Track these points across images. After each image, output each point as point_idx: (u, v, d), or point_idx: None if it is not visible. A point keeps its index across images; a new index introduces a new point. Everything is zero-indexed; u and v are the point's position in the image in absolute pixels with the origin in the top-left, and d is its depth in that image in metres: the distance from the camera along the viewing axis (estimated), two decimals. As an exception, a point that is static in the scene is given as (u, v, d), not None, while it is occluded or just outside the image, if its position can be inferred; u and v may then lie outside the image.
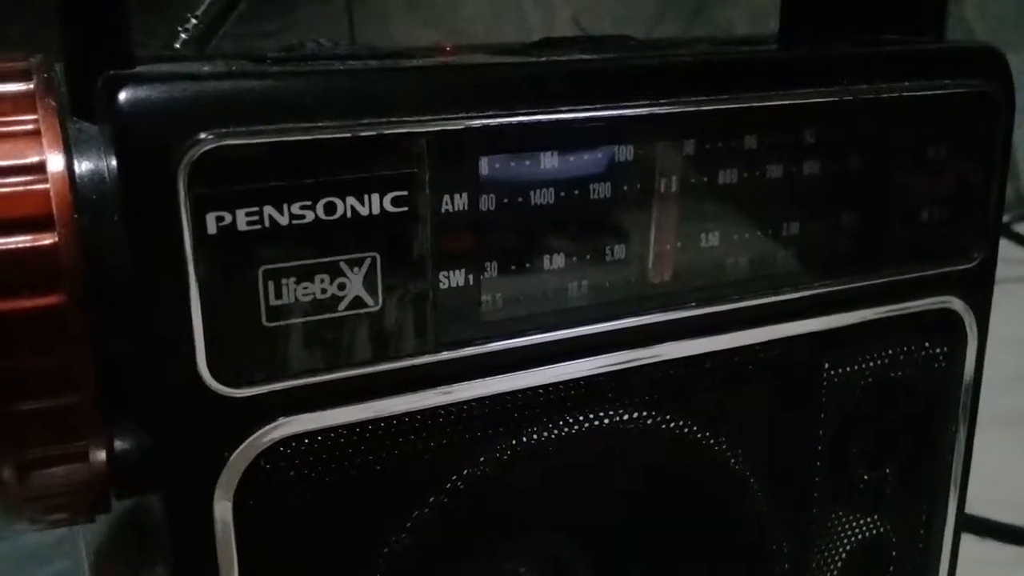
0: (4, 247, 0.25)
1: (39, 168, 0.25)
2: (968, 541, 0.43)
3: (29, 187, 0.25)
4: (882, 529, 0.38)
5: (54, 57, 0.29)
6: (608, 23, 1.09)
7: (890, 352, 0.36)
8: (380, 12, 0.98)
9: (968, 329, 0.38)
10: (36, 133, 0.26)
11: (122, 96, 0.24)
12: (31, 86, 0.27)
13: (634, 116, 0.30)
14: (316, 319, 0.27)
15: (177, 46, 0.39)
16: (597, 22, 1.08)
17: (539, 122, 0.28)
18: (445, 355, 0.29)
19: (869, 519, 0.38)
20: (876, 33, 0.39)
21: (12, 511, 0.28)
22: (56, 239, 0.25)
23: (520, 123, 0.28)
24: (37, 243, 0.25)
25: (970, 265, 0.37)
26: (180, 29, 0.39)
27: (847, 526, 0.38)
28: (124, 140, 0.24)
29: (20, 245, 0.25)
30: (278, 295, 0.26)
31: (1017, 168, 1.17)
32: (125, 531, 0.34)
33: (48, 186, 0.25)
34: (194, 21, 0.39)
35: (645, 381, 0.32)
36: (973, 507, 0.43)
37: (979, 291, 0.38)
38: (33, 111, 0.26)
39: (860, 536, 0.38)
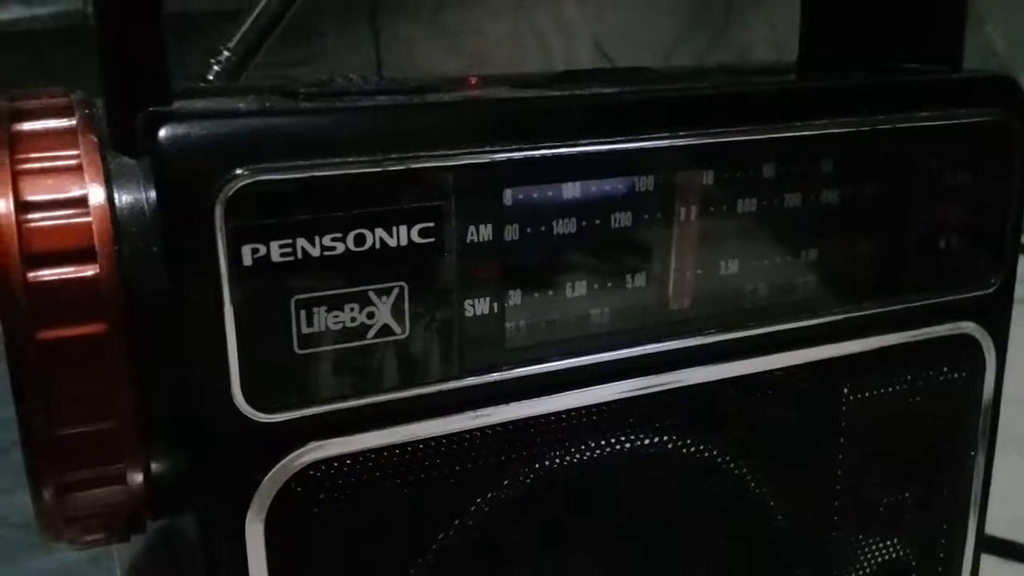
0: (49, 278, 0.26)
1: (81, 202, 0.26)
2: (989, 562, 0.43)
3: (72, 220, 0.26)
4: (902, 553, 0.39)
5: (94, 92, 0.30)
6: (629, 46, 1.10)
7: (908, 377, 0.37)
8: (405, 39, 0.99)
9: (986, 354, 0.38)
10: (79, 168, 0.27)
11: (162, 133, 0.25)
12: (73, 122, 0.28)
13: (654, 148, 0.31)
14: (346, 347, 0.28)
15: (210, 78, 0.40)
16: (618, 45, 1.09)
17: (561, 155, 0.29)
18: (470, 381, 0.29)
19: (888, 543, 0.38)
20: (895, 61, 0.39)
21: (51, 531, 0.28)
22: (98, 270, 0.26)
23: (543, 156, 0.29)
24: (80, 274, 0.26)
25: (987, 291, 0.37)
26: (213, 61, 0.40)
27: (867, 550, 0.38)
28: (164, 175, 0.25)
29: (64, 276, 0.26)
30: (310, 323, 0.27)
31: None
32: (159, 549, 0.35)
33: (90, 219, 0.26)
34: (227, 53, 0.40)
35: (666, 406, 0.33)
36: (995, 528, 0.43)
37: (996, 316, 0.38)
38: (75, 147, 0.27)
39: (880, 560, 0.38)
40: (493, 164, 0.28)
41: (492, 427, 0.30)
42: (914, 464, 0.38)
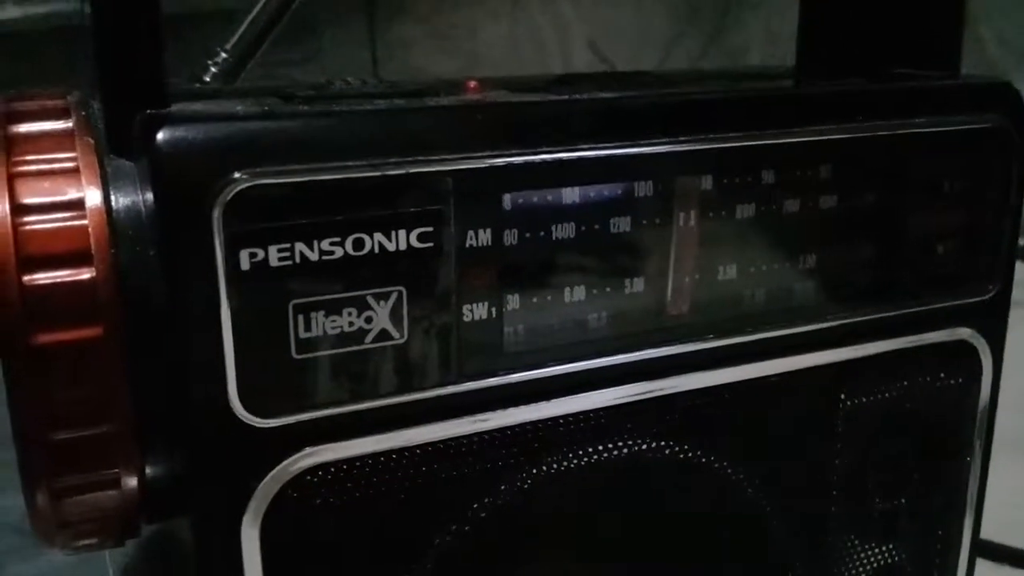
0: (45, 281, 0.25)
1: (78, 204, 0.26)
2: (984, 567, 0.43)
3: (69, 223, 0.26)
4: (897, 557, 0.39)
5: (90, 93, 0.29)
6: (624, 46, 1.10)
7: (905, 383, 0.37)
8: (401, 40, 0.99)
9: (983, 360, 0.38)
10: (75, 171, 0.27)
11: (160, 136, 0.25)
12: (70, 124, 0.28)
13: (653, 153, 0.30)
14: (343, 351, 0.27)
15: (207, 79, 0.40)
16: (614, 45, 1.09)
17: (561, 160, 0.29)
18: (468, 386, 0.29)
19: (884, 547, 0.39)
20: (892, 66, 0.39)
21: (45, 536, 0.28)
22: (94, 273, 0.26)
23: (542, 161, 0.29)
24: (76, 277, 0.26)
25: (985, 297, 0.37)
26: (210, 63, 0.40)
27: (862, 554, 0.38)
28: (161, 179, 0.25)
29: (60, 279, 0.26)
30: (307, 328, 0.27)
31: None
32: (152, 553, 0.35)
33: (86, 222, 0.26)
34: (224, 55, 0.40)
35: (664, 412, 0.33)
36: (990, 532, 0.43)
37: (994, 322, 0.38)
38: (72, 149, 0.27)
39: (875, 564, 0.38)
40: (492, 168, 0.28)
41: (490, 432, 0.30)
42: (910, 469, 0.38)
